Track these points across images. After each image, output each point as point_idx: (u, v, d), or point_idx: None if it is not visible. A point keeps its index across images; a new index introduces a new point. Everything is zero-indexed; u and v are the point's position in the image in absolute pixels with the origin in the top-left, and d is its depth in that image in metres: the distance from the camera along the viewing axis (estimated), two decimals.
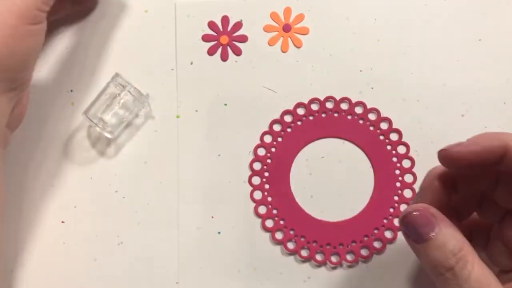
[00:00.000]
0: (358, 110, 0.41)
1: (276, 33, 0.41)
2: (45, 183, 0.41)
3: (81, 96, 0.41)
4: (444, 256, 0.27)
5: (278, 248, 0.41)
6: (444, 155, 0.28)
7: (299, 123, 0.41)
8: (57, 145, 0.41)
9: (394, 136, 0.41)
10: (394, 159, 0.41)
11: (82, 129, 0.41)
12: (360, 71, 0.41)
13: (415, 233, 0.27)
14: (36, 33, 0.34)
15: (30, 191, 0.41)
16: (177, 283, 0.40)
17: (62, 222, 0.41)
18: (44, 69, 0.42)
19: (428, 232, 0.27)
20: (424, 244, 0.27)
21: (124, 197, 0.41)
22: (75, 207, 0.41)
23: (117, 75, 0.39)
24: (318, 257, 0.40)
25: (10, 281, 0.41)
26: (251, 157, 0.41)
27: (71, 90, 0.41)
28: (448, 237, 0.27)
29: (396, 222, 0.40)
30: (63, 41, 0.42)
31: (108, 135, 0.40)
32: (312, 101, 0.41)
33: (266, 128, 0.41)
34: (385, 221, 0.40)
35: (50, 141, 0.41)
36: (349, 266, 0.40)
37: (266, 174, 0.41)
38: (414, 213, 0.28)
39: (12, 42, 0.32)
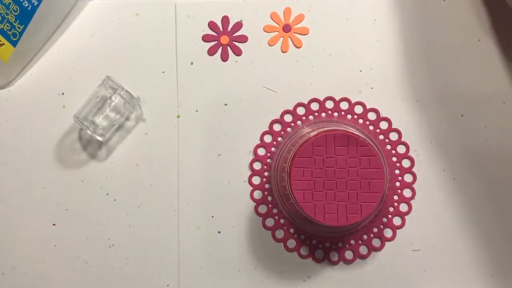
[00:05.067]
0: (358, 110, 0.41)
1: (276, 33, 0.42)
2: (36, 186, 0.41)
3: (73, 99, 0.41)
4: None
5: (278, 247, 0.41)
6: None
7: (299, 123, 0.41)
8: (48, 148, 0.41)
9: (393, 136, 0.41)
10: (394, 159, 0.41)
11: (73, 132, 0.41)
12: (360, 71, 0.41)
13: None
14: None
15: (21, 193, 0.41)
16: (167, 285, 0.41)
17: (54, 225, 0.41)
18: (35, 71, 0.42)
19: None
20: None
21: (115, 200, 0.41)
22: (66, 209, 0.41)
23: (108, 78, 0.39)
24: (318, 255, 0.40)
25: (1, 284, 0.41)
26: (251, 157, 0.41)
27: (62, 93, 0.41)
28: None
29: (395, 221, 0.40)
30: (54, 44, 0.42)
31: (99, 138, 0.40)
32: (312, 101, 0.41)
33: (266, 128, 0.41)
34: (384, 220, 0.40)
35: (41, 144, 0.41)
36: (348, 265, 0.40)
37: (266, 174, 0.41)
38: None
39: None
